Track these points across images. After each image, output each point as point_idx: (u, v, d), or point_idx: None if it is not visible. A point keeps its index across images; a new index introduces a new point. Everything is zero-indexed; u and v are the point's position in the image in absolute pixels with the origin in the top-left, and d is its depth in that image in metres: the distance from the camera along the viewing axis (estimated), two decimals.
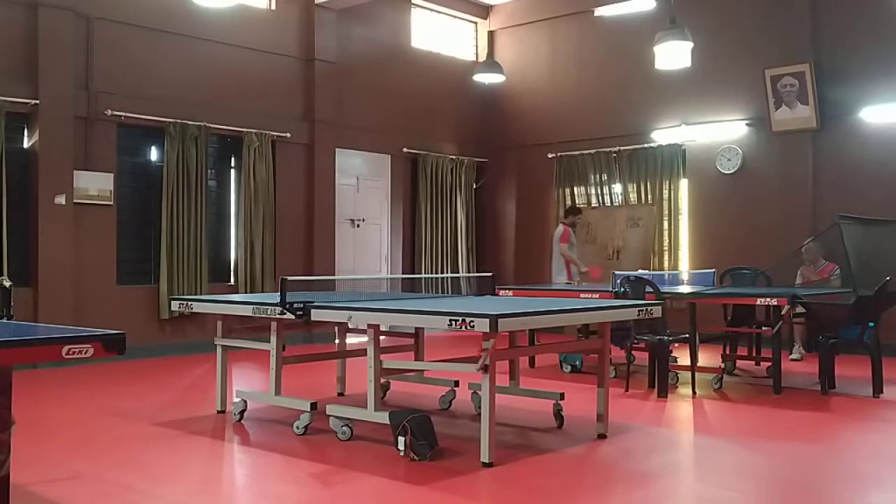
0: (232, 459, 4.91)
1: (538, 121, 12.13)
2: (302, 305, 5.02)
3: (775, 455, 4.77)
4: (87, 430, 5.43)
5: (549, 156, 11.88)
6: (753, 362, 7.92)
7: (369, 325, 4.90)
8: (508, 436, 5.17)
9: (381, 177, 11.64)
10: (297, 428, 5.18)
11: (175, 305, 6.11)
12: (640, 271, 8.52)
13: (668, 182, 10.88)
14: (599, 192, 11.53)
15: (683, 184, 10.83)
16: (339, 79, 10.82)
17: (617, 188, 11.38)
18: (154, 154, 9.38)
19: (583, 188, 11.73)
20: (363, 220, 11.43)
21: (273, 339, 5.40)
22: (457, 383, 6.09)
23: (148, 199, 9.27)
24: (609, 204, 11.43)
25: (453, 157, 12.17)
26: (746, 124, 10.24)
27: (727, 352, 7.77)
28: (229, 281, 9.91)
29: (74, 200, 8.46)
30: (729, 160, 10.32)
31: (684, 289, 7.89)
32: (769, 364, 7.12)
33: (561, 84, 11.98)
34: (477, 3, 12.58)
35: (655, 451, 4.95)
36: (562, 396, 5.46)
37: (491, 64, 10.48)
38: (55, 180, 8.32)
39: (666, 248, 10.86)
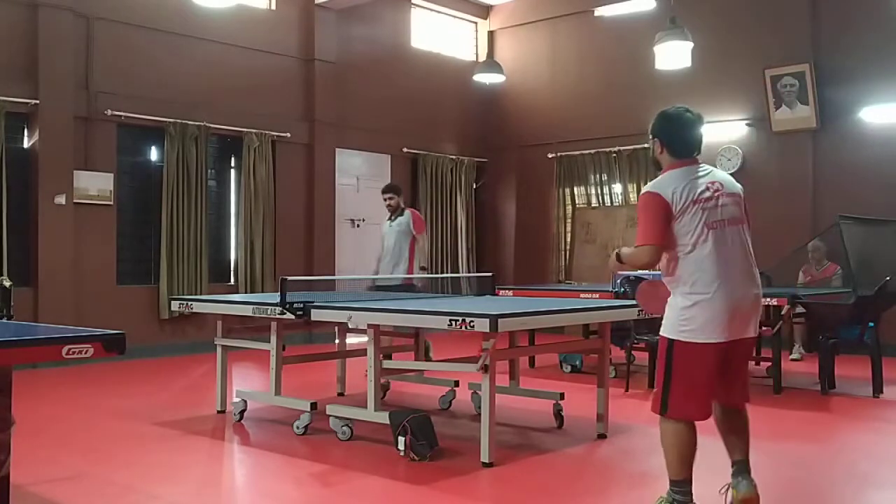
0: (232, 459, 4.91)
1: (538, 121, 12.12)
2: (302, 305, 5.02)
3: (775, 455, 4.76)
4: (87, 430, 5.43)
5: (549, 156, 11.87)
6: (753, 362, 7.91)
7: (369, 325, 4.90)
8: (508, 436, 5.17)
9: (381, 177, 11.61)
10: (297, 428, 5.18)
11: (175, 305, 6.12)
12: (640, 271, 8.51)
13: None
14: (599, 192, 11.53)
15: None
16: (339, 79, 10.82)
17: (617, 188, 11.38)
18: (154, 154, 9.38)
19: (583, 188, 11.73)
20: (363, 220, 11.41)
21: (273, 339, 5.40)
22: (457, 383, 6.09)
23: (148, 199, 9.27)
24: (609, 204, 11.42)
25: (453, 157, 12.17)
26: (746, 124, 10.24)
27: None
28: (229, 281, 9.91)
29: (74, 200, 8.45)
30: (729, 160, 10.30)
31: None
32: (769, 364, 7.11)
33: (561, 84, 11.98)
34: (477, 3, 12.57)
35: (655, 451, 4.92)
36: (562, 396, 5.46)
37: (491, 64, 10.47)
38: (55, 180, 8.32)
39: None
